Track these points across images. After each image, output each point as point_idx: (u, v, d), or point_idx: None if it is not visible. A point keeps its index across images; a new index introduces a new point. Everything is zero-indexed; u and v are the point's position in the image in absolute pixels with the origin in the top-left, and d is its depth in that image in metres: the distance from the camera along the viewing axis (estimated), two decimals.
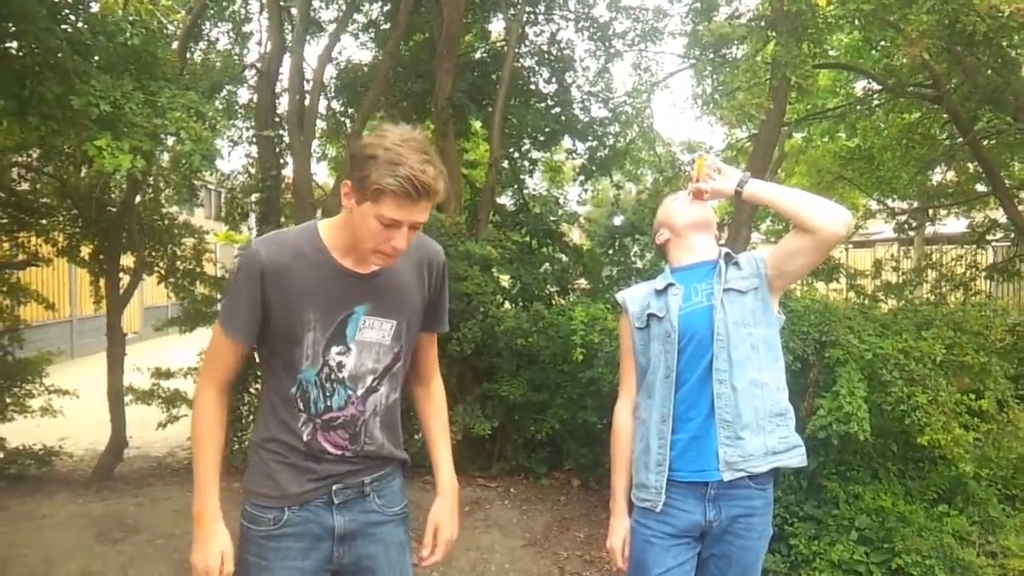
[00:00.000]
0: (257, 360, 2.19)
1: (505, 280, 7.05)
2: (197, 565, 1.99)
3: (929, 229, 11.22)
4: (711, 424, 2.40)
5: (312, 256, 2.02)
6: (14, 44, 4.78)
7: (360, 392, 2.08)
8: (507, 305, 6.76)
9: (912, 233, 10.97)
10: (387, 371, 2.11)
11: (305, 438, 2.05)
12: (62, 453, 7.41)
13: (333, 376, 2.04)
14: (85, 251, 7.48)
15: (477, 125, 9.56)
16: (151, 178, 7.17)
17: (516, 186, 8.96)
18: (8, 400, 7.06)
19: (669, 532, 2.45)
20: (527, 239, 7.83)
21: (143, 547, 4.65)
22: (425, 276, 2.17)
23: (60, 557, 4.50)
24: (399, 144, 1.83)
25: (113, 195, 7.35)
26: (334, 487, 2.08)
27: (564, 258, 7.77)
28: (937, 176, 10.49)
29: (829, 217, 2.33)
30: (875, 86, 8.86)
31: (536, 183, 11.26)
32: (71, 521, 4.96)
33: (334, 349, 2.03)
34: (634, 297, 2.63)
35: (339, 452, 2.08)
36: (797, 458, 2.48)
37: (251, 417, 6.43)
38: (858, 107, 9.48)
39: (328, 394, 2.05)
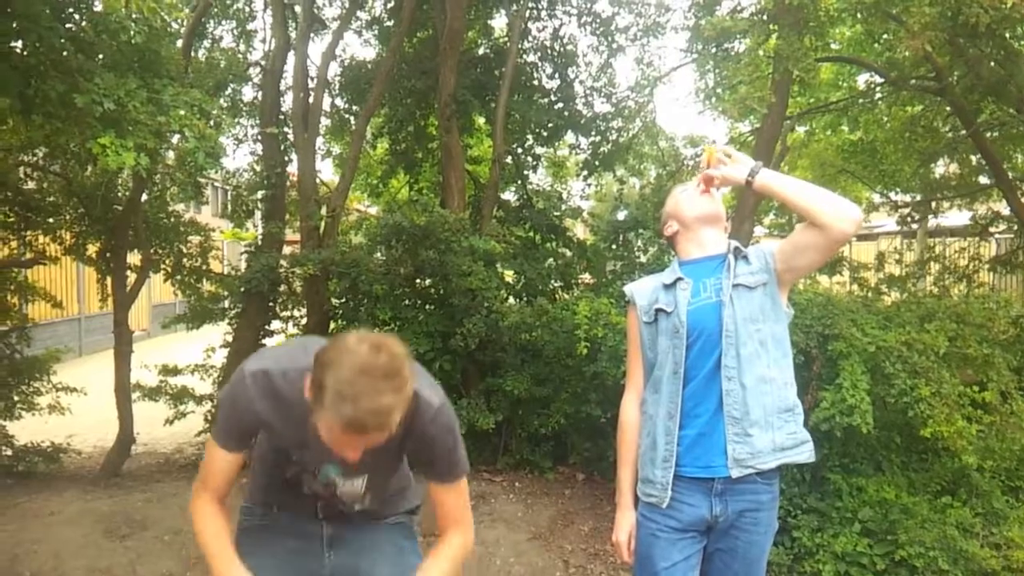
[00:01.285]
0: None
1: (509, 275, 7.07)
2: None
3: (932, 222, 11.19)
4: (719, 420, 2.40)
5: (298, 412, 1.89)
6: (19, 43, 4.80)
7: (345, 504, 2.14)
8: (511, 300, 6.78)
9: (915, 226, 10.95)
10: (366, 495, 2.13)
11: (288, 475, 2.10)
12: (70, 450, 7.45)
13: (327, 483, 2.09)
14: (92, 249, 7.51)
15: (481, 121, 9.58)
16: (156, 176, 7.19)
17: (519, 181, 8.99)
18: (16, 398, 7.10)
19: (675, 526, 2.46)
20: (531, 234, 7.86)
21: (151, 543, 4.69)
22: (400, 441, 1.97)
23: (69, 553, 4.53)
24: (354, 376, 1.66)
25: (119, 193, 7.38)
26: (318, 503, 2.13)
27: (568, 253, 7.80)
28: (940, 169, 10.47)
29: (841, 214, 2.30)
30: (877, 79, 8.83)
31: (539, 178, 11.28)
32: (79, 518, 4.99)
33: (319, 478, 2.08)
34: (642, 291, 2.61)
35: (321, 503, 2.14)
36: (805, 454, 2.48)
37: None
38: (860, 100, 9.44)
39: (312, 480, 2.10)
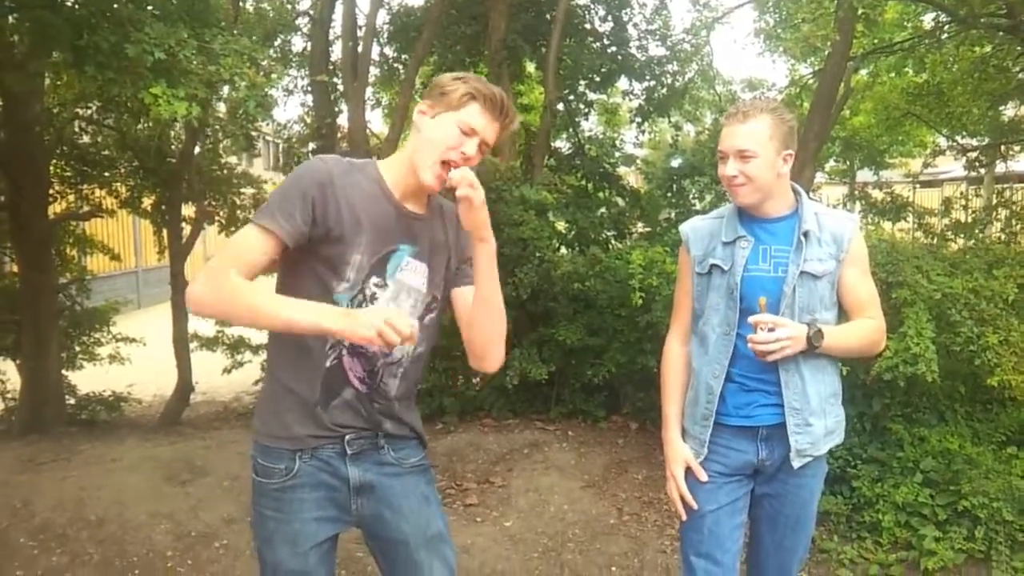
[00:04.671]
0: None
1: (561, 225, 7.00)
2: (385, 318, 1.79)
3: (1000, 167, 10.82)
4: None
5: (370, 185, 2.02)
6: None
7: None
8: (563, 250, 6.72)
9: (983, 171, 10.61)
10: (419, 321, 2.07)
11: (328, 364, 2.00)
12: (131, 399, 7.65)
13: (366, 304, 1.99)
14: (147, 202, 7.63)
15: (531, 68, 9.44)
16: (209, 128, 7.24)
17: (571, 129, 8.85)
18: (78, 348, 7.30)
19: (721, 471, 2.43)
20: (583, 183, 7.76)
21: (211, 488, 4.76)
22: (449, 240, 2.15)
23: (131, 499, 4.63)
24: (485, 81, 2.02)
25: (172, 146, 7.46)
26: (347, 436, 2.04)
27: (621, 202, 7.69)
28: (1010, 111, 10.08)
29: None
30: (945, 17, 8.48)
31: (592, 126, 11.13)
32: (140, 464, 5.10)
33: (373, 279, 2.00)
34: (698, 236, 2.49)
35: (357, 384, 2.03)
36: (843, 436, 2.52)
37: None
38: (927, 40, 9.08)
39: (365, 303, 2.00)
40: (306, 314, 1.84)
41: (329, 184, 1.93)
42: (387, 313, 1.80)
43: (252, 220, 1.94)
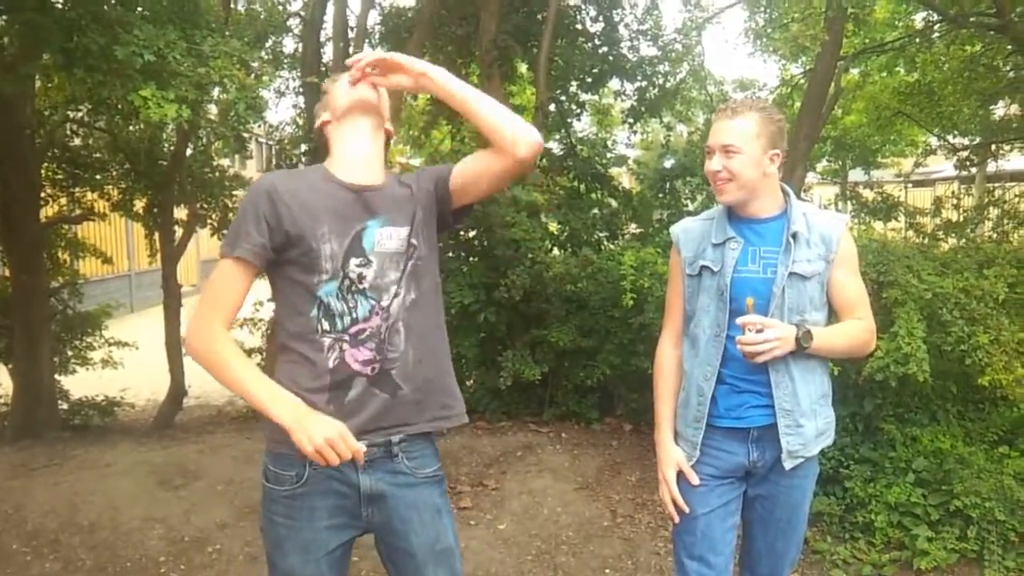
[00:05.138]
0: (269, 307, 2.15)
1: (553, 226, 7.00)
2: (326, 435, 1.84)
3: (991, 166, 10.85)
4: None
5: (319, 179, 2.09)
6: None
7: (385, 302, 2.05)
8: (555, 251, 6.72)
9: (974, 170, 10.64)
10: (404, 272, 2.08)
11: (331, 364, 2.00)
12: (124, 403, 7.64)
13: (354, 288, 2.02)
14: (139, 205, 7.61)
15: (523, 68, 9.43)
16: (200, 131, 7.23)
17: (563, 130, 8.84)
18: (70, 353, 7.27)
19: (713, 473, 2.43)
20: (575, 184, 7.75)
21: (205, 492, 4.76)
22: (410, 192, 2.16)
23: (124, 503, 4.63)
24: None
25: (164, 148, 7.44)
26: (365, 365, 2.03)
27: (613, 202, 7.69)
28: (1000, 110, 10.11)
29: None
30: (935, 17, 8.51)
31: (584, 126, 11.12)
32: (134, 469, 5.08)
33: (353, 261, 2.02)
34: (689, 237, 2.50)
35: (366, 369, 2.02)
36: (833, 436, 2.52)
37: None
38: (917, 39, 9.11)
39: (352, 305, 2.02)
40: (272, 403, 1.91)
41: (274, 191, 1.99)
42: (336, 432, 1.85)
43: (221, 249, 2.02)
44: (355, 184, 2.07)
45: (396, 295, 2.06)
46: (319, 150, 2.25)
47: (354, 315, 2.01)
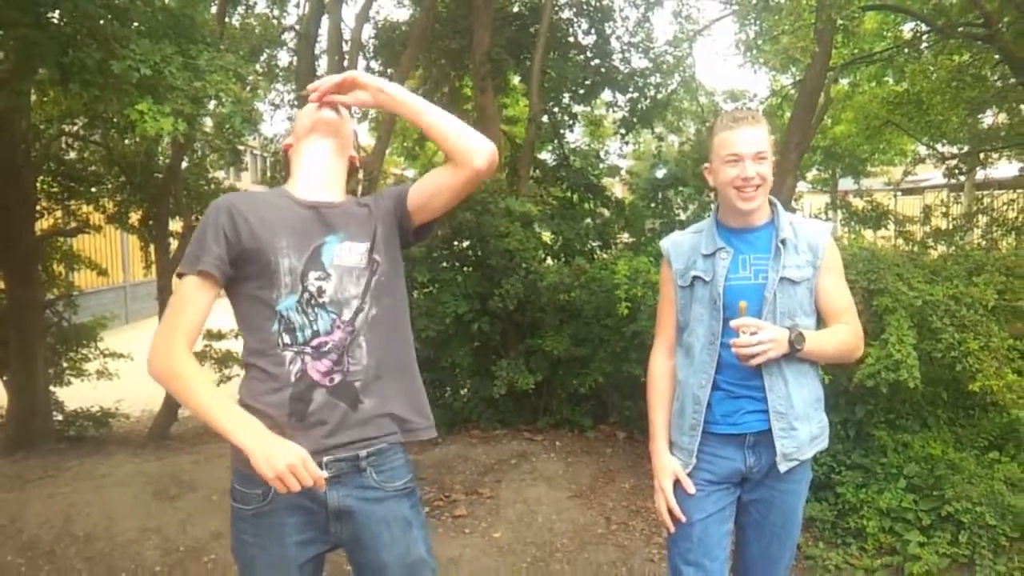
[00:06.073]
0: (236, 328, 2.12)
1: (547, 236, 7.04)
2: (287, 461, 1.83)
3: (980, 174, 10.92)
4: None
5: (278, 197, 2.12)
6: (56, 13, 4.83)
7: (346, 316, 2.05)
8: (549, 261, 6.76)
9: (962, 178, 10.72)
10: (367, 287, 2.08)
11: (293, 378, 1.99)
12: (119, 415, 7.63)
13: (314, 301, 2.02)
14: (134, 217, 7.63)
15: (516, 80, 9.49)
16: (196, 143, 7.26)
17: (556, 141, 8.90)
18: (65, 364, 7.28)
19: (709, 479, 2.46)
20: (568, 194, 7.80)
21: (200, 503, 4.77)
22: (370, 211, 2.18)
23: (120, 514, 4.64)
24: None
25: (159, 161, 7.47)
26: (324, 459, 1.99)
27: (606, 212, 7.74)
28: (988, 119, 10.20)
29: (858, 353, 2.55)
30: (924, 27, 8.59)
31: (576, 137, 11.20)
32: (129, 479, 5.09)
33: (312, 275, 2.02)
34: (679, 250, 2.54)
35: (325, 380, 2.01)
36: (827, 440, 2.55)
37: None
38: (906, 50, 9.19)
39: (312, 318, 2.02)
40: (233, 428, 1.88)
41: (233, 207, 2.02)
42: (297, 458, 1.84)
43: (180, 269, 2.02)
44: (312, 201, 2.09)
45: (359, 310, 2.06)
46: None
47: (315, 328, 2.01)
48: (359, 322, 2.05)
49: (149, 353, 1.97)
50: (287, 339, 2.00)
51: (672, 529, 2.50)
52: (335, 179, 2.18)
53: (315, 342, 2.01)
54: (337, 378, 2.02)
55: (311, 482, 1.84)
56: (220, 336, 7.55)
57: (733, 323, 2.30)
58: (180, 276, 2.01)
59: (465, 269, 6.33)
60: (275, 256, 1.99)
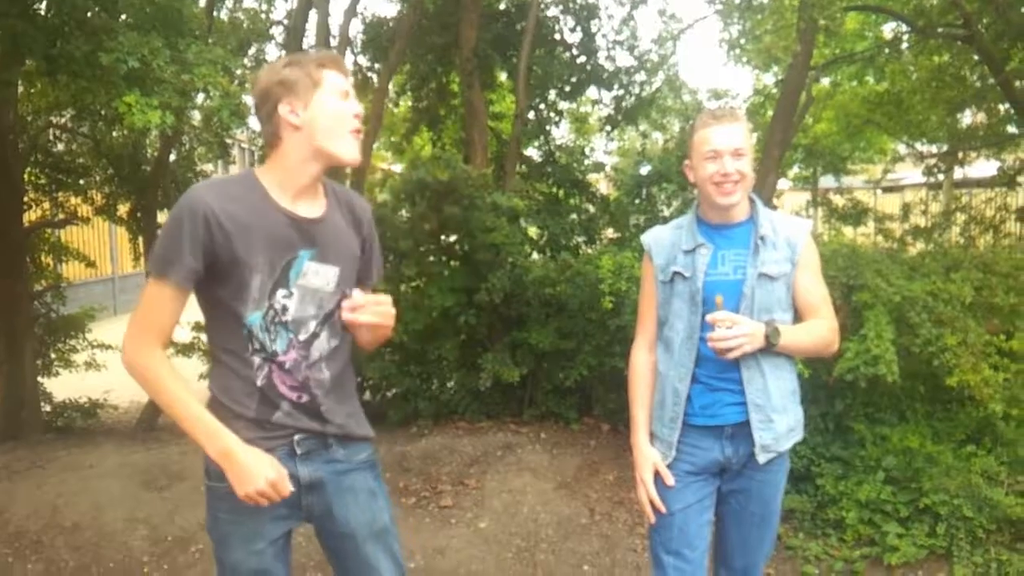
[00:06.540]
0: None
1: (533, 231, 7.09)
2: (255, 487, 1.93)
3: (958, 172, 11.05)
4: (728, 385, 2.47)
5: (256, 198, 2.03)
6: (43, 4, 4.84)
7: (302, 337, 2.08)
8: (535, 255, 6.81)
9: (941, 177, 10.83)
10: (328, 317, 2.12)
11: (260, 383, 2.05)
12: (107, 405, 7.62)
13: (277, 319, 2.04)
14: (122, 209, 7.62)
15: (503, 76, 9.53)
16: (184, 136, 7.26)
17: (542, 137, 8.94)
18: (53, 355, 7.27)
19: (688, 469, 2.52)
20: (554, 190, 7.86)
21: (188, 493, 4.79)
22: (356, 227, 2.21)
23: (108, 504, 4.66)
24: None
25: (147, 153, 7.47)
26: (296, 437, 2.09)
27: (591, 208, 7.80)
28: (967, 118, 10.32)
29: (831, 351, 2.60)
30: (904, 28, 8.69)
31: (562, 134, 11.24)
32: (118, 470, 5.11)
33: (279, 292, 2.04)
34: (660, 246, 2.58)
35: (291, 395, 2.08)
36: (803, 433, 2.60)
37: None
38: (887, 50, 9.30)
39: (273, 337, 2.04)
40: (205, 436, 1.95)
41: (211, 214, 1.94)
42: (275, 473, 1.96)
43: (151, 269, 2.00)
44: (297, 215, 2.06)
45: (315, 335, 2.10)
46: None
47: (274, 347, 2.05)
48: (315, 349, 2.10)
49: (123, 347, 2.01)
50: (256, 345, 2.04)
51: (653, 520, 2.56)
52: (320, 184, 2.15)
53: (279, 359, 2.06)
54: (305, 398, 2.10)
55: (279, 500, 1.97)
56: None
57: (709, 317, 2.35)
58: (152, 276, 1.98)
59: (452, 263, 6.37)
60: (249, 272, 1.99)
